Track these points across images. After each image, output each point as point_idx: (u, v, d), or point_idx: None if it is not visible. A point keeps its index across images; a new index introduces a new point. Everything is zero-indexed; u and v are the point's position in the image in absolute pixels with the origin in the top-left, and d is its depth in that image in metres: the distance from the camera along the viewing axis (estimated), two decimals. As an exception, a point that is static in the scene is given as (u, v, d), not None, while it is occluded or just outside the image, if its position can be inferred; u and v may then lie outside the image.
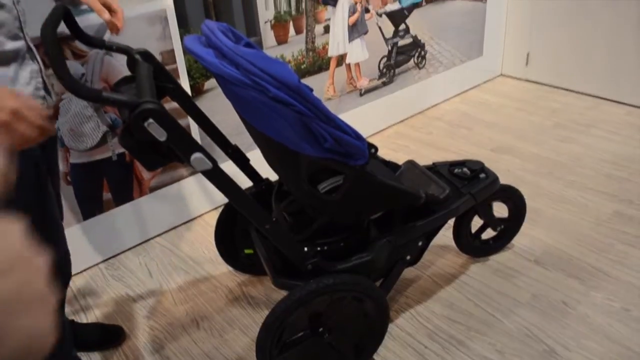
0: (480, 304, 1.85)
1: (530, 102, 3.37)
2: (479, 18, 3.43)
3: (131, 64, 1.40)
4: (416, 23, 3.07)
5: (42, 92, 1.21)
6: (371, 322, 1.59)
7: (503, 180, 1.87)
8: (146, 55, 1.40)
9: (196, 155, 1.21)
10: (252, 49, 1.35)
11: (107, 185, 2.11)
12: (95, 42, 1.37)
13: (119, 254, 2.22)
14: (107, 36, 1.42)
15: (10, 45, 1.12)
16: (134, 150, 1.17)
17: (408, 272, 2.01)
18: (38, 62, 1.21)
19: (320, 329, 1.51)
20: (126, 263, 2.18)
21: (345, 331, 1.57)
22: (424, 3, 3.06)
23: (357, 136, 1.29)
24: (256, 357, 1.45)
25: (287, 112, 1.19)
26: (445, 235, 2.13)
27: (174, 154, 1.20)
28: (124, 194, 2.18)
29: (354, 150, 1.29)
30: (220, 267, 2.11)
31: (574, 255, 2.04)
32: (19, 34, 1.15)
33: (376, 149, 1.37)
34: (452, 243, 2.02)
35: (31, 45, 1.19)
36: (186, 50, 1.26)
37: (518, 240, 2.14)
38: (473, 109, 3.33)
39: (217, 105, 2.30)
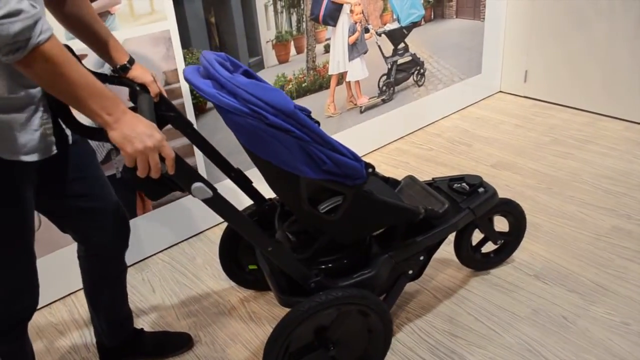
0: (480, 319, 1.87)
1: (528, 119, 3.41)
2: (477, 36, 3.48)
3: (133, 95, 1.46)
4: (415, 41, 3.12)
5: (51, 138, 1.22)
6: (375, 337, 1.60)
7: (502, 195, 1.89)
8: (146, 88, 1.48)
9: (196, 185, 1.24)
10: (250, 77, 1.39)
11: (111, 202, 2.14)
12: (97, 76, 1.42)
13: (122, 270, 2.23)
14: (107, 69, 1.48)
15: (26, 92, 1.15)
16: (136, 183, 1.20)
17: (409, 287, 2.03)
18: (50, 109, 1.24)
19: (326, 343, 1.53)
20: (129, 279, 2.19)
21: (349, 345, 1.59)
22: (422, 22, 3.11)
23: (355, 157, 1.33)
24: None
25: (285, 138, 1.23)
26: (446, 250, 2.15)
27: (175, 183, 1.23)
28: (128, 210, 2.20)
29: (351, 171, 1.33)
30: (222, 283, 2.13)
31: (574, 270, 2.06)
32: (34, 84, 1.17)
33: (373, 168, 1.40)
34: (453, 258, 2.04)
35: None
36: (186, 82, 1.31)
37: (518, 255, 2.15)
38: (472, 126, 3.37)
39: (220, 124, 2.33)
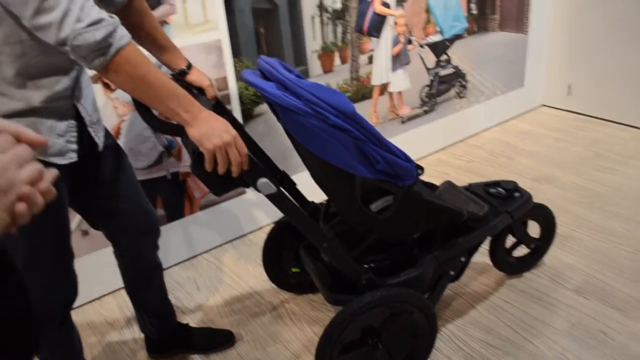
0: (518, 330, 1.88)
1: (571, 133, 3.38)
2: (520, 49, 3.48)
3: None
4: (458, 53, 3.15)
5: (73, 146, 1.28)
6: (421, 336, 1.65)
7: (542, 208, 1.91)
8: (203, 91, 1.58)
9: (262, 181, 1.31)
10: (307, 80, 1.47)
11: (160, 202, 2.24)
12: None
13: (168, 268, 2.33)
14: (165, 71, 1.57)
15: (56, 103, 1.23)
16: (204, 178, 1.28)
17: (447, 296, 2.05)
18: (80, 118, 1.31)
19: (373, 341, 1.58)
20: (175, 277, 2.29)
21: (396, 344, 1.63)
22: (465, 34, 3.14)
23: (407, 158, 1.39)
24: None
25: (344, 137, 1.30)
26: (484, 261, 2.17)
27: (241, 179, 1.30)
28: (176, 211, 2.30)
29: (403, 172, 1.39)
30: (264, 284, 2.19)
31: (614, 285, 2.05)
32: (68, 95, 1.25)
33: (422, 170, 1.46)
34: (491, 269, 2.05)
35: (77, 104, 1.29)
36: (248, 84, 1.38)
37: (558, 268, 2.15)
38: (514, 139, 3.37)
39: (266, 130, 2.42)
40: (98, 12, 1.05)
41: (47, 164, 1.23)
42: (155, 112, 1.32)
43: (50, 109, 1.22)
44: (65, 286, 1.43)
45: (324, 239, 1.48)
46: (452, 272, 1.74)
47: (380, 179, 1.41)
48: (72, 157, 1.29)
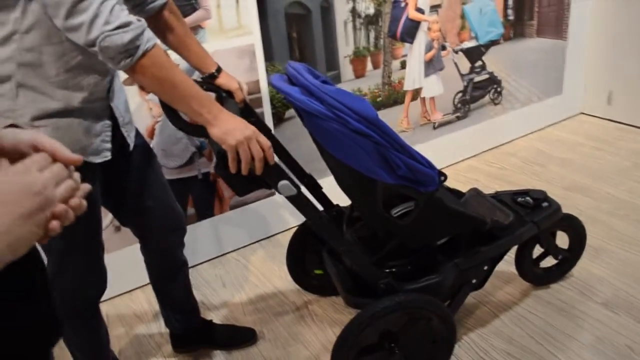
0: (541, 342, 1.85)
1: (609, 142, 3.29)
2: (558, 56, 3.41)
3: (219, 101, 1.60)
4: (493, 60, 3.11)
5: (108, 145, 1.35)
6: (439, 343, 1.66)
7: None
8: (232, 94, 1.62)
9: (283, 182, 1.35)
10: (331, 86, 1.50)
11: (191, 201, 2.31)
12: None
13: (196, 265, 2.40)
14: (196, 76, 1.62)
15: (93, 104, 1.29)
16: (228, 178, 1.33)
17: (470, 304, 2.04)
18: (114, 119, 1.37)
19: (390, 346, 1.59)
20: (203, 274, 2.35)
21: (414, 350, 1.64)
22: (501, 41, 3.10)
23: (429, 165, 1.41)
24: None
25: (366, 143, 1.32)
26: (510, 270, 2.15)
27: (263, 180, 1.35)
28: (206, 210, 2.37)
29: (425, 178, 1.41)
30: (288, 285, 2.23)
31: (645, 300, 2.00)
32: (104, 97, 1.32)
33: (445, 177, 1.46)
34: (517, 279, 2.03)
35: (112, 104, 1.35)
36: (275, 89, 1.43)
37: (587, 281, 2.11)
38: (549, 147, 3.31)
39: (296, 133, 2.45)
40: (126, 16, 1.11)
41: (86, 163, 1.30)
42: (182, 114, 1.37)
43: (88, 110, 1.28)
44: (95, 280, 1.50)
45: (342, 242, 1.50)
46: (474, 281, 1.73)
47: (401, 184, 1.43)
48: (107, 156, 1.36)
